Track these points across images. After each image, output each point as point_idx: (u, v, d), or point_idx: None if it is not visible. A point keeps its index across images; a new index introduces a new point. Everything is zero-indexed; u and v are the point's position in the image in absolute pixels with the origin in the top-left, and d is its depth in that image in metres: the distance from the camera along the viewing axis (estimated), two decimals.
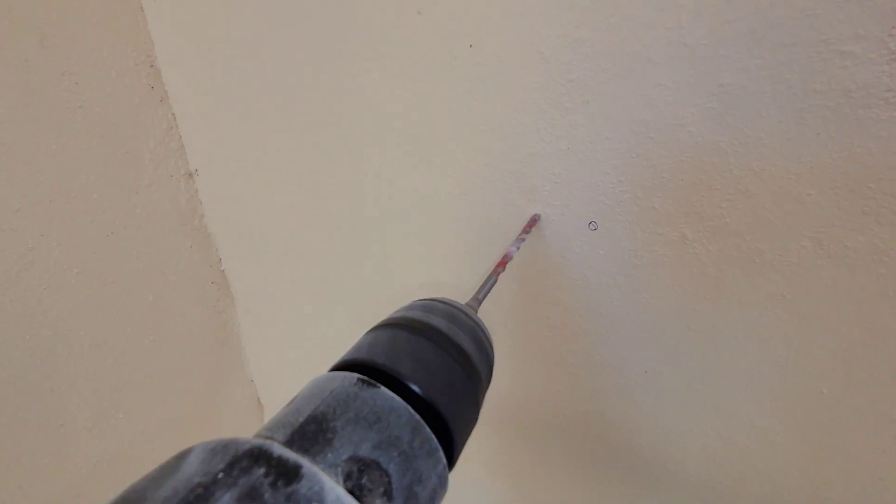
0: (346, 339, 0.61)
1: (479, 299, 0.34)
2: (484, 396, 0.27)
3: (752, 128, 0.33)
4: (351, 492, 0.16)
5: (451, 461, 0.22)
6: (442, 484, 0.20)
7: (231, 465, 0.14)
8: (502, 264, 0.39)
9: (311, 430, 0.18)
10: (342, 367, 0.23)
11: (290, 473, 0.15)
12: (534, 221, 0.43)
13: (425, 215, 0.49)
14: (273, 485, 0.14)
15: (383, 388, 0.20)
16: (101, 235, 0.54)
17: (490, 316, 0.50)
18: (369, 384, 0.20)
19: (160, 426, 0.66)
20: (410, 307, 0.29)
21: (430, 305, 0.28)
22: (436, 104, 0.43)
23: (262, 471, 0.14)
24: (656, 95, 0.34)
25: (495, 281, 0.37)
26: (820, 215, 0.33)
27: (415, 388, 0.21)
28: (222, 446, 0.15)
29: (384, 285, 0.57)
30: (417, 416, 0.20)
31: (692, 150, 0.35)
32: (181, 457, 0.16)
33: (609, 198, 0.39)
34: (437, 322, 0.26)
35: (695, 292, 0.40)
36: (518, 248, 0.40)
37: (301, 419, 0.18)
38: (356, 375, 0.21)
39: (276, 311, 0.71)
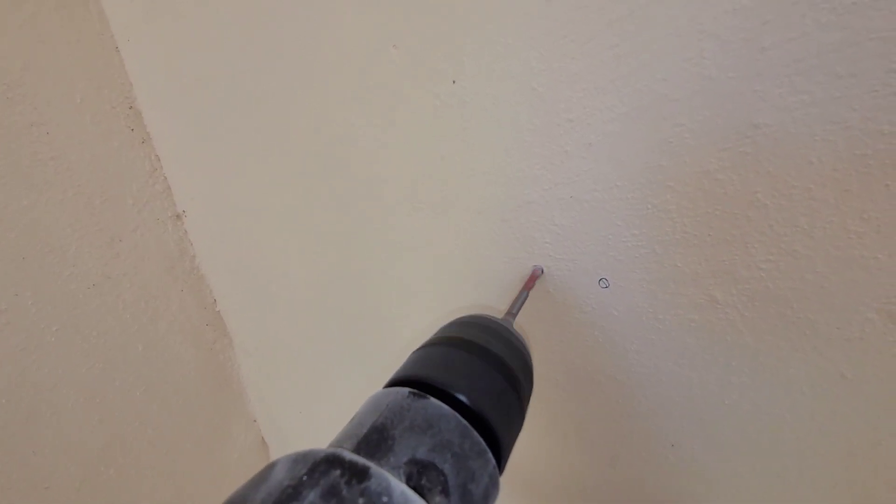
0: (348, 372, 0.56)
1: (513, 314, 0.34)
2: (528, 402, 0.28)
3: (797, 177, 0.26)
4: (413, 490, 0.17)
5: (500, 463, 0.23)
6: (493, 483, 0.22)
7: (312, 470, 0.17)
8: (532, 280, 0.36)
9: (374, 439, 0.20)
10: (394, 383, 0.25)
11: (360, 474, 0.17)
12: (535, 276, 0.37)
13: (417, 260, 0.44)
14: (348, 483, 0.16)
15: (432, 399, 0.22)
16: (82, 288, 0.51)
17: None
18: (419, 396, 0.22)
19: (158, 476, 0.63)
20: (451, 325, 0.31)
21: (470, 322, 0.30)
22: (420, 145, 0.38)
23: (337, 472, 0.17)
24: (675, 138, 0.28)
25: (526, 296, 0.35)
26: (889, 285, 0.26)
27: (461, 397, 0.23)
28: (302, 456, 0.18)
29: (380, 321, 0.53)
30: (465, 422, 0.22)
31: (722, 202, 0.29)
32: (269, 468, 0.18)
33: (621, 253, 0.33)
34: (477, 337, 0.28)
35: (729, 364, 0.33)
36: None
37: (364, 430, 0.21)
38: (407, 389, 0.23)
39: (275, 348, 0.67)
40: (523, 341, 0.31)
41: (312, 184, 0.48)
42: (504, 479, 0.51)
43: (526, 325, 0.40)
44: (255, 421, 0.77)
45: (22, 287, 0.46)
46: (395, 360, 0.54)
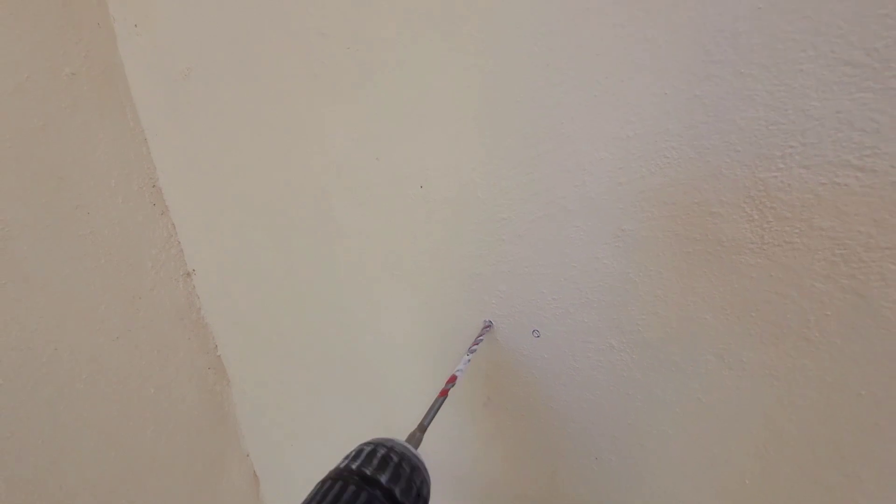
0: (333, 414, 0.65)
1: (424, 426, 0.37)
2: None
3: (652, 264, 0.39)
4: None
5: None
6: None
7: None
8: (445, 392, 0.41)
9: None
10: None
11: None
12: (486, 327, 0.49)
13: (395, 317, 0.55)
14: None
15: None
16: (108, 341, 0.60)
17: (461, 401, 0.55)
18: None
19: None
20: (352, 456, 0.33)
21: (369, 451, 0.33)
22: (394, 230, 0.50)
23: None
24: (574, 235, 0.41)
25: (441, 404, 0.40)
26: (716, 335, 0.38)
27: None
28: None
29: (362, 366, 0.63)
30: None
31: (608, 278, 0.41)
32: None
33: (546, 312, 0.45)
34: (372, 469, 0.31)
35: (627, 393, 0.45)
36: (463, 370, 0.43)
37: None
38: None
39: (268, 390, 0.76)
40: (420, 467, 0.33)
41: (304, 248, 0.58)
42: (466, 492, 0.62)
43: (481, 365, 0.51)
44: (247, 456, 0.85)
45: (60, 342, 0.55)
46: (377, 401, 0.64)
